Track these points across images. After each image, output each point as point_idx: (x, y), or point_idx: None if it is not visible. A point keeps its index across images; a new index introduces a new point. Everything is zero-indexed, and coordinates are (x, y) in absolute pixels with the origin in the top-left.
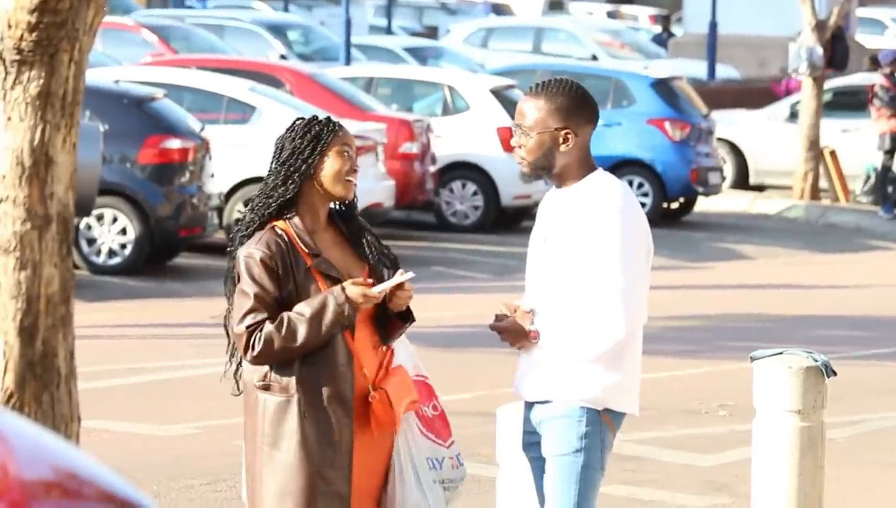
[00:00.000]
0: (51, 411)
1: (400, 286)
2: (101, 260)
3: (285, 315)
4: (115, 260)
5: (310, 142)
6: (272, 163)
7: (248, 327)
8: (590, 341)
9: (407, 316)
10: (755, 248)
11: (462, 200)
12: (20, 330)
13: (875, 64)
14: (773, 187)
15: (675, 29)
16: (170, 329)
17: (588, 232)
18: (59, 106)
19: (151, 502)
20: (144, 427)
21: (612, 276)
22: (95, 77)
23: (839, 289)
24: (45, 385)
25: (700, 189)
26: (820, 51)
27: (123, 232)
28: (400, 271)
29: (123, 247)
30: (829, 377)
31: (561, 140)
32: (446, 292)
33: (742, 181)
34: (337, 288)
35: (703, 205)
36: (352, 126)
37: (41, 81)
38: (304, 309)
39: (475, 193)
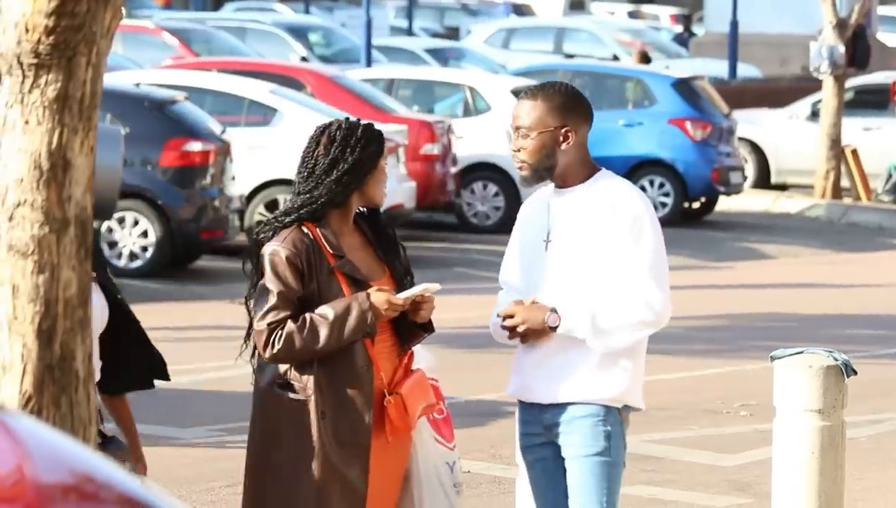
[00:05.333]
0: (69, 414)
1: (424, 297)
2: (122, 263)
3: (308, 315)
4: (137, 263)
5: (370, 157)
6: (321, 165)
7: (269, 324)
8: (632, 324)
9: (427, 326)
10: (777, 248)
11: (483, 201)
12: (38, 334)
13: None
14: (795, 186)
15: (696, 28)
16: (191, 332)
17: (615, 227)
18: (77, 109)
19: (169, 504)
20: (166, 430)
21: (648, 265)
22: (116, 80)
23: (861, 288)
24: (64, 388)
25: (721, 188)
26: (841, 49)
27: (145, 235)
28: (425, 283)
29: (145, 249)
30: (849, 376)
31: (561, 138)
32: (468, 293)
33: (763, 180)
34: (362, 295)
35: (724, 204)
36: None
37: (59, 85)
38: (327, 312)
39: (496, 194)
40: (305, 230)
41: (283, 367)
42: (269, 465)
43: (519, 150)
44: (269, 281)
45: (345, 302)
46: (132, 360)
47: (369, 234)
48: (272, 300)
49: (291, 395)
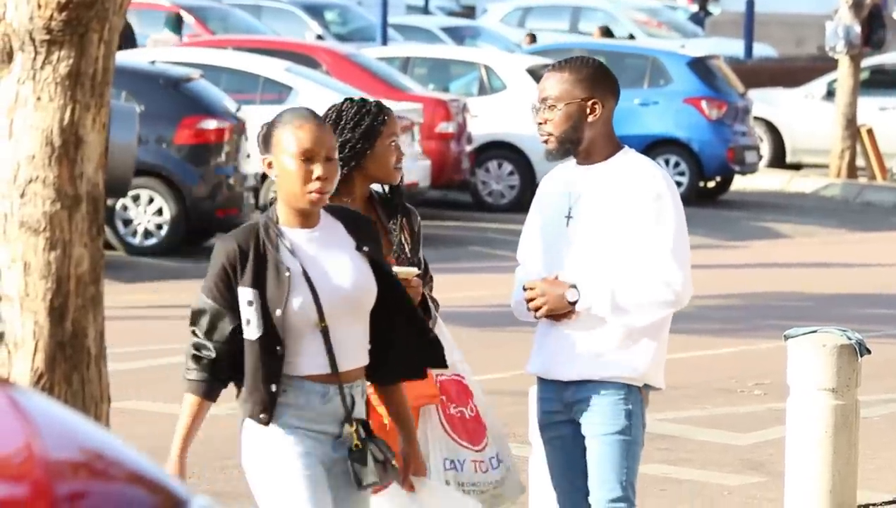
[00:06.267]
0: (81, 391)
1: (405, 282)
2: (137, 240)
3: None
4: (152, 241)
5: (361, 136)
6: None
7: None
8: (651, 303)
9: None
10: (792, 227)
11: (498, 180)
12: (50, 311)
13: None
14: (810, 166)
15: (713, 7)
16: None
17: (638, 205)
18: (89, 85)
19: (178, 482)
20: (180, 408)
21: (670, 244)
22: (132, 58)
23: (876, 268)
24: (75, 365)
25: (737, 168)
26: (857, 29)
27: (160, 212)
28: (395, 267)
29: (160, 227)
30: (863, 355)
31: (588, 110)
32: (482, 271)
33: (779, 160)
34: None
35: (739, 183)
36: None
37: (71, 61)
38: None
39: (511, 173)
40: None
41: None
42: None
43: (545, 122)
44: None
45: None
46: (406, 345)
47: (382, 217)
48: None
49: None
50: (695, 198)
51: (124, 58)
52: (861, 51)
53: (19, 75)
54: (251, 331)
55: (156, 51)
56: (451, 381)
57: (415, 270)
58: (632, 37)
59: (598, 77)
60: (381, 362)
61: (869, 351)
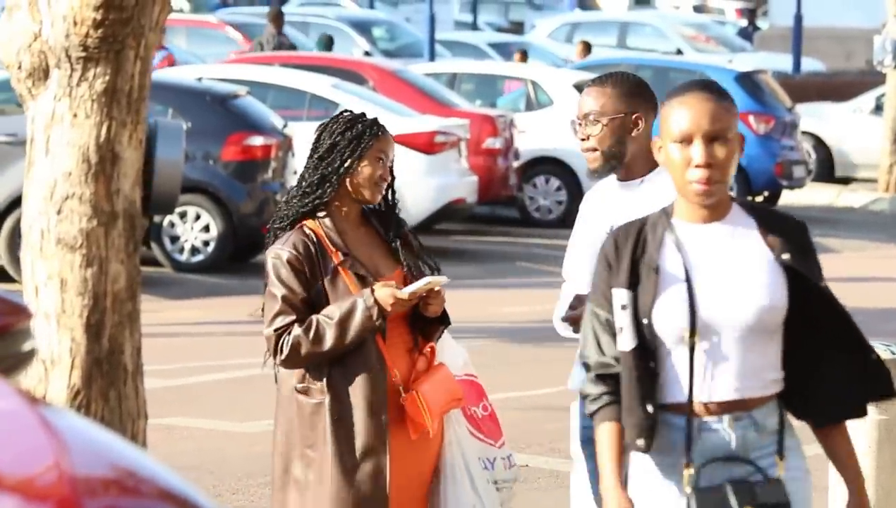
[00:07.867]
0: (118, 408)
1: (432, 291)
2: (184, 257)
3: (314, 318)
4: (198, 258)
5: (350, 141)
6: (310, 155)
7: (276, 330)
8: None
9: (443, 319)
10: (840, 242)
11: (546, 195)
12: (87, 327)
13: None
14: (859, 180)
15: (761, 22)
16: (252, 326)
17: None
18: (125, 102)
19: (210, 500)
20: (225, 424)
21: None
22: (178, 74)
23: None
24: (112, 381)
25: (785, 182)
26: None
27: (206, 229)
28: (430, 277)
29: (206, 244)
30: None
31: (632, 125)
32: (530, 287)
33: (827, 174)
34: (366, 291)
35: (787, 198)
36: (435, 122)
37: (107, 78)
38: (332, 312)
39: (559, 188)
40: (308, 230)
41: (300, 372)
42: (291, 472)
43: (587, 138)
44: (273, 285)
45: (349, 301)
46: (842, 378)
47: (381, 231)
48: (277, 305)
49: (309, 400)
50: None
51: (171, 74)
52: None
53: (55, 92)
54: (624, 341)
55: (201, 67)
56: (465, 382)
57: (444, 279)
58: (680, 52)
59: (640, 92)
60: (811, 398)
61: None
